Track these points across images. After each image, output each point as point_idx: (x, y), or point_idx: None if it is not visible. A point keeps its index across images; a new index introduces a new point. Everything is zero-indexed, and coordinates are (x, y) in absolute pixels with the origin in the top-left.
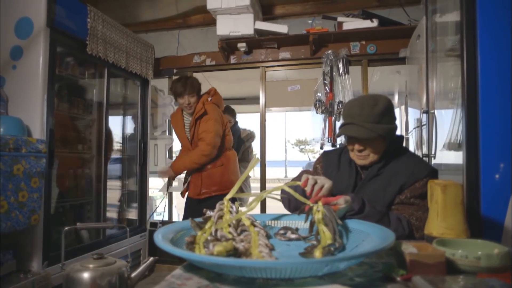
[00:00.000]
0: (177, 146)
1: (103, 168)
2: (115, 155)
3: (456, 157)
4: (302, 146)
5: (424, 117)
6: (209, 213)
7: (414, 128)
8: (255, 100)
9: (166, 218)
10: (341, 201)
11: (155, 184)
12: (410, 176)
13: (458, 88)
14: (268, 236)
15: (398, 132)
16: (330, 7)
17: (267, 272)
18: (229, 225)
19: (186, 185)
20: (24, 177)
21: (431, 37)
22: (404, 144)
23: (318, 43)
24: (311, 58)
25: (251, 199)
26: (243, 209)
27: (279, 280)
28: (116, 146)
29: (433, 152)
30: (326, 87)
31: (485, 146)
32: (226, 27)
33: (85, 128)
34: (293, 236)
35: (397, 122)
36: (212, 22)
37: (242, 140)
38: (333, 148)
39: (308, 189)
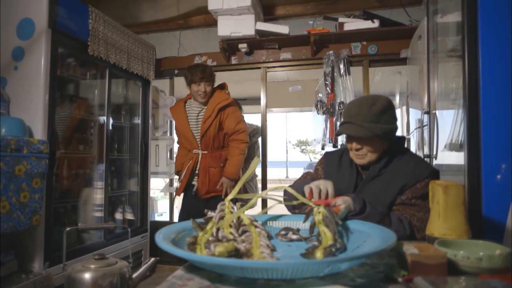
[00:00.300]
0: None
1: (105, 169)
2: (116, 156)
3: (458, 158)
4: (303, 147)
5: (426, 118)
6: (210, 213)
7: (415, 129)
8: (256, 100)
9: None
10: (339, 201)
11: (156, 185)
12: (411, 176)
13: (460, 88)
14: (269, 237)
15: (399, 133)
16: (331, 7)
17: (268, 273)
18: (231, 226)
19: (184, 183)
20: (26, 178)
21: (432, 37)
22: (405, 145)
23: (319, 43)
24: (312, 58)
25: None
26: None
27: (280, 280)
28: (118, 146)
29: (434, 152)
30: (327, 88)
31: (486, 147)
32: (227, 27)
33: (87, 129)
34: (294, 236)
35: (398, 122)
36: (213, 23)
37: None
38: (334, 149)
39: (316, 197)
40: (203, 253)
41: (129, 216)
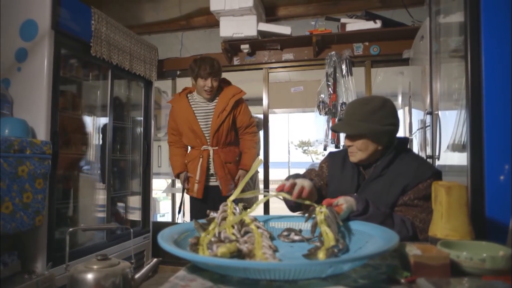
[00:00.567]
0: None
1: (107, 169)
2: (118, 157)
3: (460, 159)
4: (305, 148)
5: (428, 118)
6: (212, 214)
7: (418, 130)
8: (258, 101)
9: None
10: (341, 200)
11: (158, 186)
12: (413, 177)
13: (462, 89)
14: (272, 238)
15: (401, 134)
16: (333, 8)
17: (270, 274)
18: (233, 227)
19: (203, 184)
20: (29, 178)
21: (435, 38)
22: (408, 146)
23: (321, 44)
24: (314, 59)
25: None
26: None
27: (282, 281)
28: (120, 147)
29: (437, 153)
30: (330, 88)
31: (489, 148)
32: (229, 28)
33: (89, 130)
34: (296, 237)
35: (401, 123)
36: (215, 24)
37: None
38: (338, 149)
39: (285, 189)
40: (205, 254)
41: (132, 217)
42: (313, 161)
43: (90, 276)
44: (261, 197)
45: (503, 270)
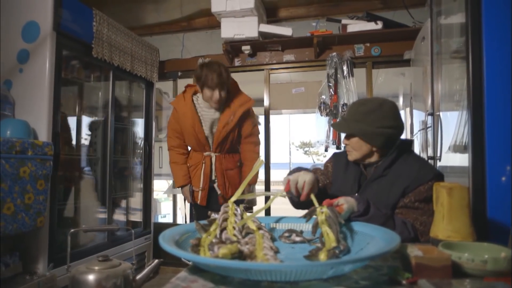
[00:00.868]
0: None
1: (109, 170)
2: (120, 157)
3: (462, 160)
4: (306, 149)
5: (429, 119)
6: (213, 215)
7: (419, 131)
8: (259, 102)
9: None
10: (342, 200)
11: (160, 187)
12: (415, 179)
13: (464, 90)
14: (273, 239)
15: (402, 135)
16: (334, 9)
17: (272, 275)
18: (234, 228)
19: (206, 190)
20: (30, 180)
21: (436, 39)
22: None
23: (322, 45)
24: (315, 60)
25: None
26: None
27: (284, 283)
28: (121, 148)
29: (438, 154)
30: (331, 90)
31: (491, 148)
32: (230, 30)
33: (90, 131)
34: (297, 238)
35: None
36: (216, 25)
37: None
38: (343, 150)
39: (293, 191)
40: (206, 255)
41: (133, 218)
42: (314, 162)
43: (91, 277)
44: (262, 197)
45: (505, 272)
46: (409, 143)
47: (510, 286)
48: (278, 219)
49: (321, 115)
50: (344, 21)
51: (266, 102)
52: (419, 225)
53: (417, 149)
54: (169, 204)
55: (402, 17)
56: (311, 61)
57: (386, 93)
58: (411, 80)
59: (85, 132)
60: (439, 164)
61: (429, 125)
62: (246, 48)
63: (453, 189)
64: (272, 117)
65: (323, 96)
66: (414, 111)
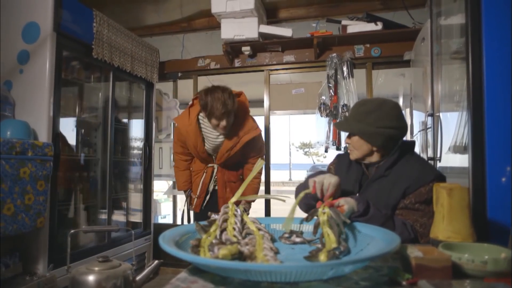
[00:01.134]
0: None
1: (109, 171)
2: (120, 158)
3: (462, 160)
4: (306, 149)
5: (429, 120)
6: (213, 216)
7: (419, 131)
8: (259, 103)
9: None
10: (342, 201)
11: (160, 187)
12: (416, 180)
13: (464, 90)
14: (273, 240)
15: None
16: (334, 10)
17: (272, 276)
18: (234, 229)
19: (202, 199)
20: (30, 180)
21: (436, 39)
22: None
23: (322, 46)
24: (315, 61)
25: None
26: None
27: (284, 283)
28: (121, 149)
29: (438, 155)
30: (331, 90)
31: (491, 149)
32: (230, 30)
33: (91, 131)
34: (298, 239)
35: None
36: (216, 26)
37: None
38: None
39: (318, 193)
40: (206, 256)
41: (133, 219)
42: (314, 163)
43: (91, 278)
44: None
45: (505, 272)
46: (412, 144)
47: (510, 287)
48: (278, 220)
49: (321, 116)
50: (344, 22)
51: (266, 103)
52: (419, 227)
53: (417, 150)
54: (169, 205)
55: (402, 17)
56: (311, 62)
57: (386, 93)
58: (411, 80)
59: (85, 132)
60: (439, 164)
61: (429, 125)
62: (246, 49)
63: (453, 189)
64: (272, 118)
65: (323, 97)
66: (414, 112)
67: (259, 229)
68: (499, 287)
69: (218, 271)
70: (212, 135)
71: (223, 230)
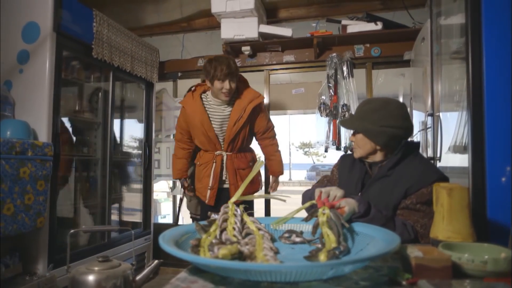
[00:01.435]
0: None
1: (108, 171)
2: (120, 158)
3: (462, 160)
4: (306, 149)
5: (429, 120)
6: (213, 216)
7: (419, 131)
8: None
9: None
10: (343, 203)
11: (160, 187)
12: (418, 180)
13: (463, 90)
14: (273, 239)
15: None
16: (334, 10)
17: (272, 276)
18: (234, 229)
19: (215, 190)
20: (30, 180)
21: (436, 39)
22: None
23: (322, 46)
24: (315, 61)
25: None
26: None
27: (284, 283)
28: (121, 149)
29: (438, 155)
30: (331, 90)
31: (491, 149)
32: (230, 30)
33: (91, 131)
34: (297, 239)
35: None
36: (216, 26)
37: None
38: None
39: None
40: (206, 256)
41: (133, 219)
42: (314, 162)
43: (91, 278)
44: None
45: (505, 272)
46: (416, 144)
47: (510, 287)
48: (278, 220)
49: (321, 116)
50: (344, 22)
51: (266, 103)
52: (419, 228)
53: None
54: (169, 205)
55: (402, 17)
56: (311, 61)
57: (386, 93)
58: (411, 80)
59: (85, 132)
60: (439, 164)
61: (429, 125)
62: (246, 49)
63: (453, 189)
64: (272, 118)
65: (323, 97)
66: (414, 112)
67: (259, 229)
68: (499, 287)
69: (218, 271)
70: (218, 110)
71: (223, 230)
